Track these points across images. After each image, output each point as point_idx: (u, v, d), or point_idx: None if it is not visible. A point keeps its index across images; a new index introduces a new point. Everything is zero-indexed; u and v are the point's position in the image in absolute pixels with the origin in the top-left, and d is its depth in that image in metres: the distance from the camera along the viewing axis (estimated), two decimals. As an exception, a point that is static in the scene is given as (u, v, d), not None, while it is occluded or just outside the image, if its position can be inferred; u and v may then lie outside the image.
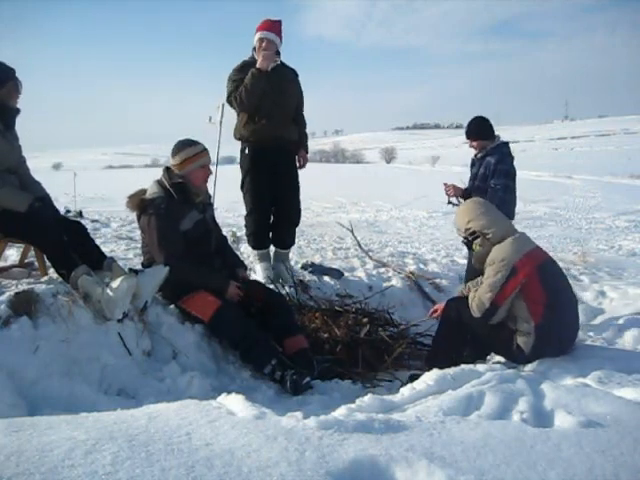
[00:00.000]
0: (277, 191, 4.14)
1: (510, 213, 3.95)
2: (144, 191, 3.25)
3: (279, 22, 4.07)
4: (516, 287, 2.78)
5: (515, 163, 4.18)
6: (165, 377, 2.81)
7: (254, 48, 4.07)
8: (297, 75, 4.23)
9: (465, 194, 4.25)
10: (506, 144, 4.23)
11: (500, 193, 3.96)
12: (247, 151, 4.09)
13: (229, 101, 4.04)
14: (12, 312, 2.53)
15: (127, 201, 3.22)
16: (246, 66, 4.00)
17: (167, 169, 3.26)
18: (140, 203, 3.16)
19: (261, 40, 4.01)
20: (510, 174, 4.07)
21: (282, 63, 4.12)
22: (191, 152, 3.19)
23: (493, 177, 4.04)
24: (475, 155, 4.31)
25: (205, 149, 3.26)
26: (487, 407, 2.05)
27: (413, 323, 3.96)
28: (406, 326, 3.91)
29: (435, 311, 3.34)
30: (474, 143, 4.26)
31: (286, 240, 4.36)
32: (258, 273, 4.21)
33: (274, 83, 3.98)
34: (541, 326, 2.75)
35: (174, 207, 3.13)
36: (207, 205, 3.40)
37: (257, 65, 3.91)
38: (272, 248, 4.38)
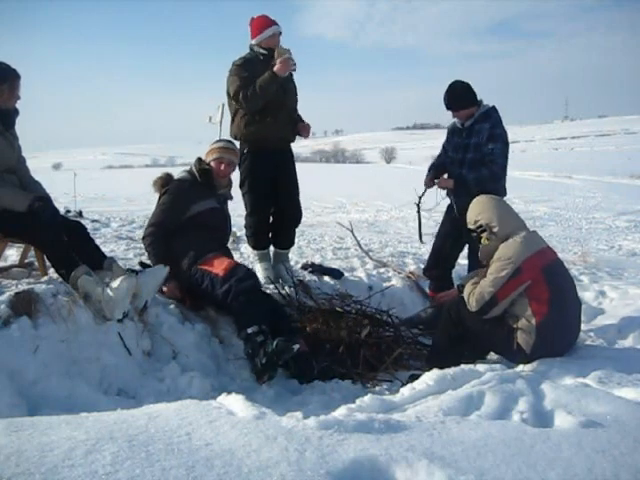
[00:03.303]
0: (278, 192, 4.13)
1: (504, 184, 3.84)
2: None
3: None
4: (518, 287, 2.79)
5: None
6: (165, 377, 2.81)
7: (256, 45, 4.00)
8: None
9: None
10: (494, 108, 3.82)
11: (499, 159, 3.69)
12: (247, 151, 4.07)
13: (235, 98, 3.91)
14: (12, 312, 2.53)
15: (154, 181, 3.59)
16: (248, 62, 3.95)
17: (199, 159, 3.64)
18: (168, 177, 3.59)
19: (276, 35, 3.95)
20: (507, 140, 3.78)
21: None
22: (215, 146, 3.64)
23: (489, 142, 3.69)
24: (462, 124, 3.87)
25: (226, 147, 3.64)
26: (487, 407, 2.05)
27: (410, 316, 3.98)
28: (400, 323, 3.92)
29: (442, 297, 3.34)
30: (459, 114, 3.82)
31: (286, 241, 4.35)
32: (258, 273, 4.21)
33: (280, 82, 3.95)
34: (543, 325, 2.75)
35: (195, 189, 3.49)
36: (227, 199, 3.76)
37: (275, 70, 3.79)
38: (271, 248, 4.38)
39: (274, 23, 3.98)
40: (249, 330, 2.99)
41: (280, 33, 4.01)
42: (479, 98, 3.84)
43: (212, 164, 3.58)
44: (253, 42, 4.01)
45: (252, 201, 4.11)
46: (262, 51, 3.97)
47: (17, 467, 1.31)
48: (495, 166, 3.71)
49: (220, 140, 3.74)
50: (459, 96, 3.82)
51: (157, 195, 3.59)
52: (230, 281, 3.12)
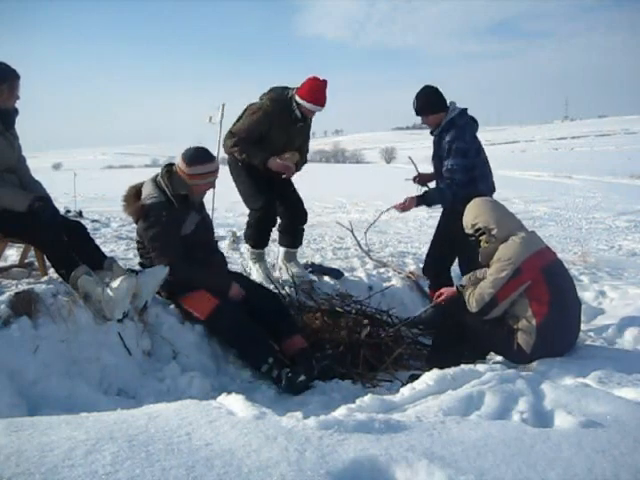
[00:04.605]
0: (279, 193, 4.13)
1: (485, 189, 3.79)
2: (138, 190, 3.25)
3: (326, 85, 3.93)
4: (518, 287, 2.79)
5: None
6: (165, 377, 2.81)
7: (297, 102, 3.87)
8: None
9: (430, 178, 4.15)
10: (462, 113, 3.79)
11: (457, 175, 3.69)
12: (241, 164, 4.06)
13: (230, 135, 3.98)
14: (12, 312, 2.54)
15: (124, 205, 3.24)
16: (277, 114, 3.87)
17: (169, 172, 3.22)
18: (140, 209, 3.16)
19: (315, 113, 3.96)
20: (469, 152, 3.74)
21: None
22: (205, 169, 3.19)
23: (448, 157, 3.73)
24: (431, 132, 3.94)
25: (217, 168, 3.28)
26: (487, 407, 2.05)
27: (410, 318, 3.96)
28: (401, 324, 3.89)
29: (440, 294, 3.33)
30: (427, 119, 3.88)
31: (296, 240, 4.37)
32: (254, 272, 4.20)
33: (297, 131, 4.02)
34: (543, 325, 2.75)
35: (174, 213, 3.16)
36: (202, 201, 3.46)
37: (269, 165, 3.85)
38: (281, 249, 4.39)
39: (322, 104, 3.92)
40: (262, 370, 3.03)
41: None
42: (450, 101, 3.84)
43: (200, 187, 3.24)
44: (297, 97, 3.87)
45: (261, 199, 4.03)
46: (298, 114, 3.91)
47: (17, 467, 1.31)
48: (454, 185, 3.73)
49: (208, 159, 3.24)
50: (427, 102, 3.85)
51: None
52: (212, 325, 3.14)
